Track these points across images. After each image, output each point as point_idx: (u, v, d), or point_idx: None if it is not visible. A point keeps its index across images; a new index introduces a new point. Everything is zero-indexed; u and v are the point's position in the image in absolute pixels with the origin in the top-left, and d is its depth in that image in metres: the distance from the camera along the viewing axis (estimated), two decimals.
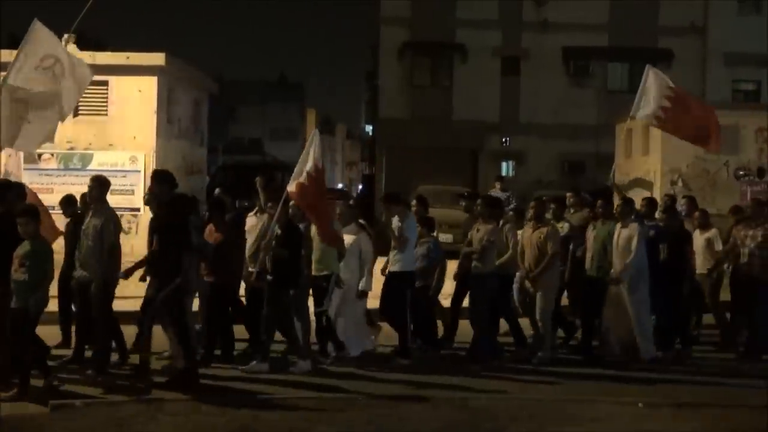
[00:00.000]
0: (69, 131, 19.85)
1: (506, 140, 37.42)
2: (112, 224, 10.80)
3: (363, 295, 12.23)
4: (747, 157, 23.34)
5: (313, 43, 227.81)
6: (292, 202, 11.69)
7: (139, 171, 19.88)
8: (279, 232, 11.38)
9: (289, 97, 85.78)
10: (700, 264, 13.61)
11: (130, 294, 12.10)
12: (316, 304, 11.95)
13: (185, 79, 22.65)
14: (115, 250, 10.88)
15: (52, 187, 18.02)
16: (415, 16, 37.49)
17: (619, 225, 12.52)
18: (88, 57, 20.40)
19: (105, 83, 20.07)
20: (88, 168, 19.75)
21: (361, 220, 12.65)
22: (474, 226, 12.55)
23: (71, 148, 19.88)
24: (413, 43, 37.58)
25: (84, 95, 20.01)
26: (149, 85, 20.15)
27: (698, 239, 13.69)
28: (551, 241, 12.36)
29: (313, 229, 11.73)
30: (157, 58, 20.21)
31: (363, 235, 12.31)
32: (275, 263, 11.32)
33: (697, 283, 13.56)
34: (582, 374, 11.69)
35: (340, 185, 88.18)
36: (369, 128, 68.10)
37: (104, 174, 18.87)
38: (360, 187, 71.53)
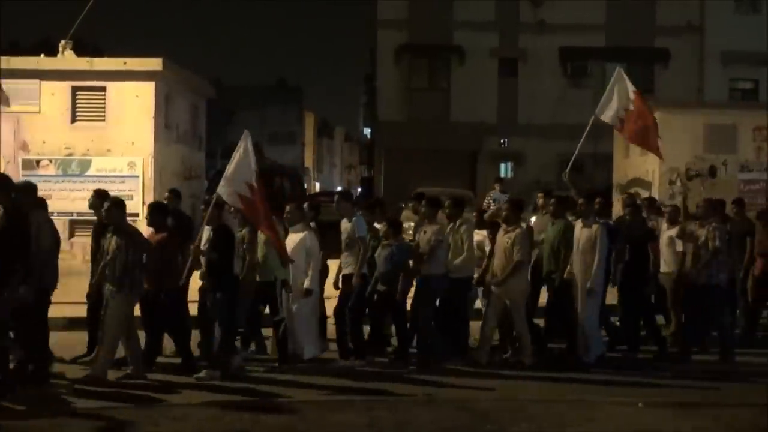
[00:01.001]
0: (67, 137, 19.91)
1: (504, 141, 37.45)
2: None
3: (307, 293, 11.91)
4: (745, 155, 23.37)
5: (311, 46, 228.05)
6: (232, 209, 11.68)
7: (138, 176, 19.88)
8: (211, 234, 11.23)
9: (288, 101, 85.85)
10: (663, 262, 13.46)
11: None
12: (271, 313, 11.90)
13: (183, 83, 22.66)
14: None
15: (50, 193, 17.99)
16: (413, 18, 37.53)
17: (579, 224, 12.36)
18: (86, 63, 20.49)
19: (103, 89, 20.08)
20: (86, 174, 19.77)
21: (312, 223, 12.45)
22: (421, 228, 12.31)
23: (69, 154, 19.89)
24: (411, 46, 37.62)
25: (82, 101, 20.13)
26: (147, 90, 20.15)
27: (664, 235, 13.52)
28: (518, 246, 12.01)
29: (260, 234, 11.63)
30: (155, 64, 20.21)
31: (309, 234, 12.08)
32: (207, 267, 11.23)
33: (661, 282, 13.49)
34: (581, 376, 11.69)
35: (339, 188, 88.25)
36: (367, 131, 68.13)
37: (102, 179, 19.05)
38: (359, 189, 71.55)
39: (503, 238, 12.09)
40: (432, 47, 37.99)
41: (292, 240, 12.01)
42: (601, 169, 34.53)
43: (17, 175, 19.64)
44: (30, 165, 19.81)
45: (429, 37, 37.51)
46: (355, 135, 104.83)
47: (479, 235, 12.81)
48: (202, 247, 11.29)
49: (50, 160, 19.86)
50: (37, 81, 19.99)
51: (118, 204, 11.18)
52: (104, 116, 20.14)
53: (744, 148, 23.59)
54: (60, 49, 21.21)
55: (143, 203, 18.08)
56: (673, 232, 13.24)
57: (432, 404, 10.05)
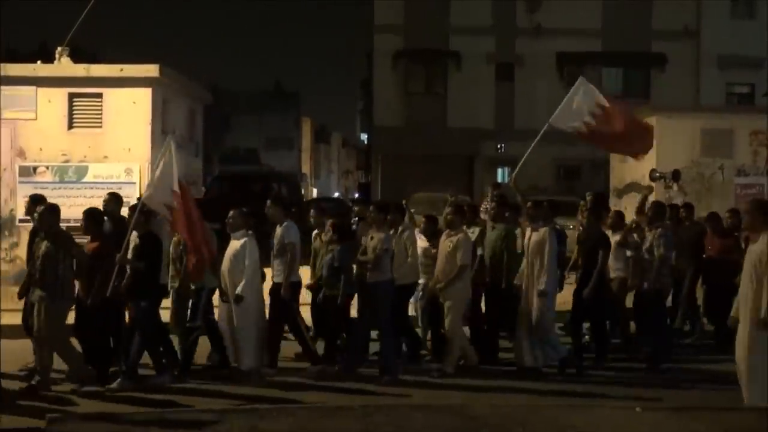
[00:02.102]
0: (64, 144, 19.88)
1: (501, 146, 37.50)
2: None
3: (237, 299, 11.66)
4: (741, 160, 23.40)
5: (308, 52, 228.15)
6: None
7: (135, 183, 19.85)
8: (137, 241, 11.11)
9: (285, 107, 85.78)
10: (611, 267, 13.25)
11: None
12: (190, 319, 11.76)
13: (180, 89, 22.64)
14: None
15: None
16: (409, 23, 37.60)
17: (529, 229, 12.32)
18: (83, 70, 20.46)
19: (99, 95, 20.04)
20: (83, 180, 19.74)
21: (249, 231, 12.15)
22: (369, 233, 12.10)
23: (66, 161, 19.86)
24: (407, 51, 37.70)
25: (78, 108, 20.11)
26: (144, 96, 20.12)
27: (611, 241, 13.21)
28: (461, 250, 11.89)
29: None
30: (152, 70, 20.19)
31: (249, 241, 11.85)
32: (133, 275, 11.05)
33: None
34: (579, 380, 11.70)
35: (336, 194, 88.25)
36: (364, 136, 68.19)
37: (99, 186, 19.01)
38: (356, 195, 71.55)
39: (445, 243, 12.00)
40: (429, 52, 38.05)
41: (233, 246, 11.82)
42: (598, 174, 34.59)
43: (14, 183, 19.68)
44: (27, 172, 19.77)
45: (426, 42, 37.58)
46: (352, 140, 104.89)
47: (423, 242, 12.63)
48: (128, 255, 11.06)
49: (47, 167, 19.82)
50: (33, 88, 19.95)
51: (52, 209, 11.12)
52: (101, 123, 20.10)
53: (741, 152, 23.62)
54: (56, 55, 21.19)
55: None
56: (618, 238, 13.10)
57: (428, 410, 10.04)
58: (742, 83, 37.75)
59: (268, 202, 12.51)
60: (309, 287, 12.91)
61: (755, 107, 31.75)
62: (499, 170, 38.14)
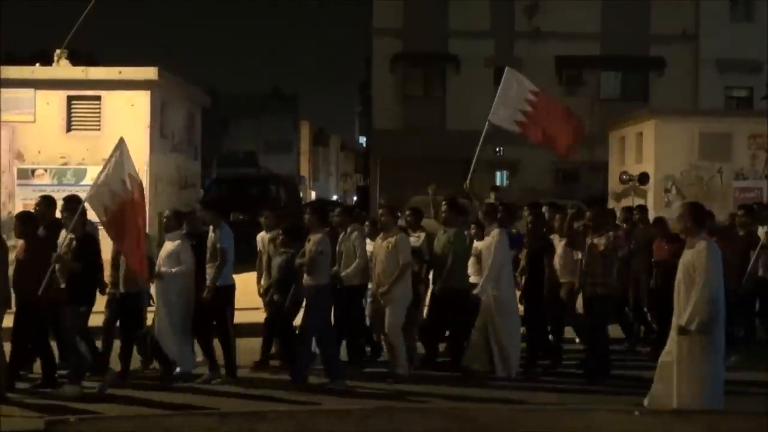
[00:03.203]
0: (62, 146, 19.88)
1: (500, 150, 37.48)
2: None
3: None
4: (740, 163, 23.44)
5: (306, 55, 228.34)
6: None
7: None
8: (74, 243, 10.79)
9: (283, 110, 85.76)
10: (559, 272, 13.00)
11: None
12: (134, 326, 11.54)
13: (178, 92, 22.66)
14: None
15: None
16: (408, 27, 37.62)
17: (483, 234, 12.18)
18: (81, 72, 20.48)
19: (98, 98, 20.07)
20: (81, 183, 19.73)
21: (183, 231, 12.01)
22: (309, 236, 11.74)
23: (65, 163, 19.88)
24: (406, 54, 37.71)
25: (77, 110, 20.11)
26: (142, 99, 20.14)
27: (558, 246, 13.05)
28: (400, 251, 11.67)
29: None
30: (150, 73, 20.21)
31: (182, 244, 11.70)
32: (69, 277, 10.75)
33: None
34: (578, 383, 11.69)
35: (335, 197, 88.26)
36: (363, 139, 68.20)
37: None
38: (355, 198, 71.57)
39: (382, 245, 11.81)
40: (427, 55, 38.08)
41: (166, 248, 11.68)
42: (596, 177, 34.62)
43: (12, 185, 19.68)
44: (25, 174, 19.79)
45: (424, 46, 37.61)
46: (350, 143, 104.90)
47: (371, 245, 12.42)
48: (63, 256, 10.74)
49: (45, 170, 19.83)
50: (32, 90, 19.98)
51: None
52: (99, 125, 20.13)
53: (739, 155, 23.68)
54: (55, 58, 21.21)
55: None
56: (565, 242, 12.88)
57: (427, 412, 10.03)
58: (741, 87, 37.79)
59: (199, 205, 12.38)
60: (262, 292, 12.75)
61: (754, 111, 31.81)
62: (498, 173, 38.16)
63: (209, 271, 11.67)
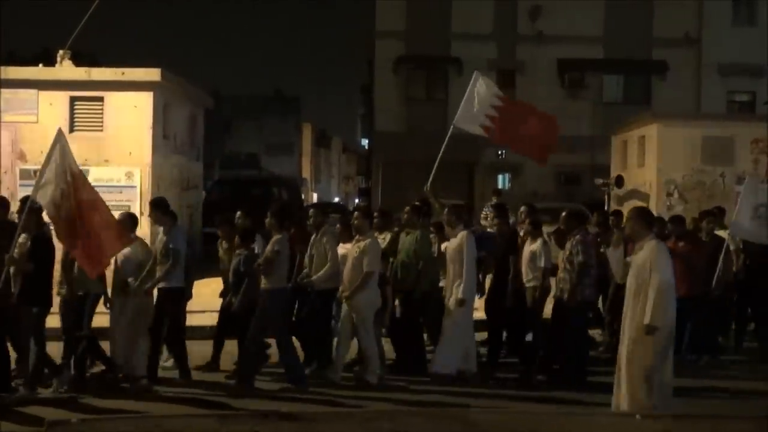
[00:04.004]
0: None
1: (502, 153, 37.46)
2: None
3: (126, 294, 11.28)
4: (742, 167, 23.41)
5: (309, 57, 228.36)
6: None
7: (135, 186, 19.87)
8: (28, 244, 10.62)
9: (285, 112, 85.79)
10: (525, 275, 12.66)
11: None
12: (75, 328, 11.19)
13: (181, 94, 22.67)
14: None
15: None
16: (410, 30, 37.62)
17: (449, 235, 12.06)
18: (84, 73, 20.49)
19: (100, 99, 20.08)
20: None
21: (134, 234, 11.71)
22: (273, 240, 11.48)
23: None
24: (408, 57, 37.71)
25: (80, 111, 20.12)
26: (145, 100, 20.15)
27: (526, 250, 12.72)
28: (368, 255, 11.44)
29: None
30: (153, 74, 20.22)
31: (137, 245, 11.53)
32: (22, 278, 10.60)
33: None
34: (580, 387, 11.67)
35: (336, 199, 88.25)
36: (365, 142, 68.19)
37: (100, 190, 18.99)
38: (357, 200, 71.54)
39: (353, 248, 11.60)
40: (430, 58, 38.07)
41: (123, 252, 11.36)
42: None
43: (14, 185, 19.67)
44: (27, 175, 19.75)
45: (427, 49, 37.60)
46: (352, 145, 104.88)
47: (343, 248, 12.29)
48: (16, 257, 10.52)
49: None
50: (35, 91, 19.98)
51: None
52: (102, 126, 20.14)
53: (741, 160, 23.66)
54: (58, 59, 21.21)
55: (140, 213, 18.04)
56: (534, 246, 12.53)
57: (429, 416, 10.03)
58: (743, 91, 37.76)
59: (149, 206, 12.05)
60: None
61: (756, 115, 31.79)
62: (500, 177, 38.15)
63: (160, 272, 11.46)
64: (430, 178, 14.08)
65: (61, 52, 21.27)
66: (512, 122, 14.24)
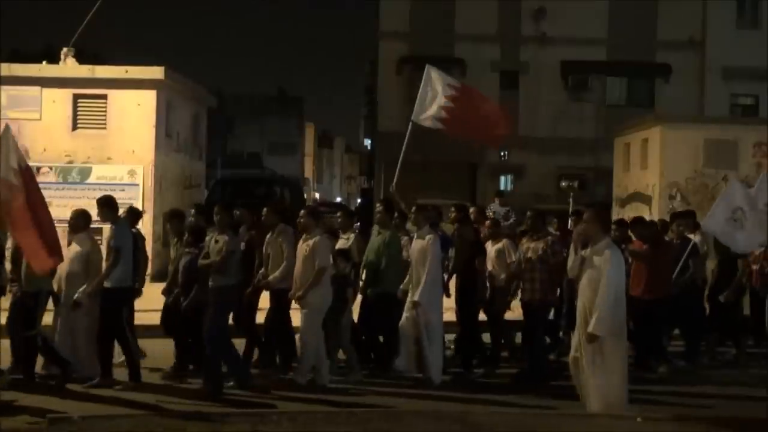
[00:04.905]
0: (67, 145, 19.92)
1: (505, 154, 37.44)
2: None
3: (75, 305, 11.11)
4: (745, 171, 23.36)
5: (312, 57, 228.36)
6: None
7: (138, 184, 19.90)
8: None
9: (288, 112, 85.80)
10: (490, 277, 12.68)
11: None
12: (27, 326, 10.99)
13: (184, 92, 22.69)
14: None
15: (50, 201, 17.90)
16: (414, 30, 37.58)
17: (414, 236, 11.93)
18: (87, 71, 20.51)
19: (104, 97, 20.12)
20: (86, 181, 19.77)
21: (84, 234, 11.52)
22: (212, 237, 11.31)
23: (70, 162, 19.90)
24: (412, 58, 37.64)
25: (83, 109, 20.14)
26: (148, 98, 20.18)
27: (490, 251, 12.73)
28: (318, 254, 11.27)
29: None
30: (156, 72, 20.25)
31: (89, 243, 11.38)
32: None
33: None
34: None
35: (338, 199, 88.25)
36: (368, 142, 68.16)
37: (102, 187, 19.05)
38: (359, 200, 71.52)
39: (302, 246, 11.39)
40: (433, 59, 37.63)
41: (73, 249, 11.34)
42: (601, 183, 34.55)
43: None
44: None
45: (430, 49, 37.49)
46: (355, 146, 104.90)
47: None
48: None
49: (50, 168, 19.86)
50: (38, 88, 20.02)
51: None
52: (105, 124, 20.17)
53: (744, 163, 23.61)
54: (62, 56, 21.24)
55: (143, 211, 18.04)
56: (501, 245, 12.57)
57: (429, 416, 10.03)
58: (747, 94, 37.67)
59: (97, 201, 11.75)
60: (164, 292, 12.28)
61: (759, 118, 31.72)
62: (502, 178, 38.13)
63: (105, 272, 11.24)
64: (395, 179, 14.01)
65: (64, 49, 21.30)
66: (467, 110, 14.19)
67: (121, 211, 12.00)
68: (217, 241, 11.08)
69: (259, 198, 26.38)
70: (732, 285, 13.86)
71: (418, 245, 11.74)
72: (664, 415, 10.21)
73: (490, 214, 22.03)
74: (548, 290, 11.91)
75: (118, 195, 18.97)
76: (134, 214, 12.84)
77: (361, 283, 12.51)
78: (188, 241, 11.76)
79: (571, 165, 36.66)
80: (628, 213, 23.78)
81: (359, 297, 12.49)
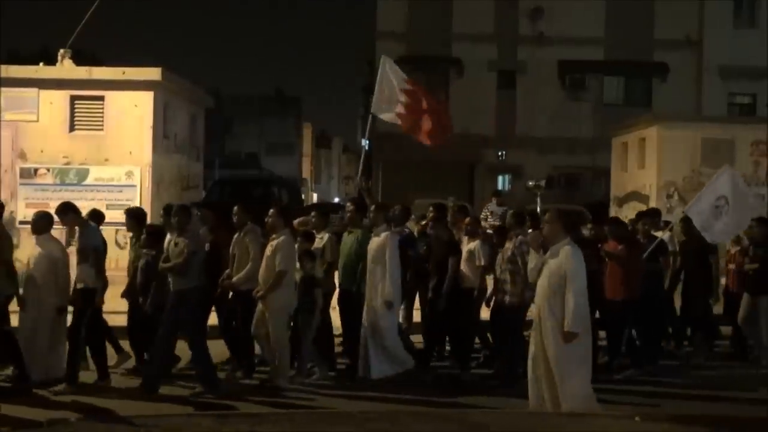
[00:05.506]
0: (65, 146, 19.90)
1: (502, 154, 37.48)
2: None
3: (60, 311, 11.10)
4: (742, 170, 23.37)
5: (310, 57, 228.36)
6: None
7: (135, 186, 19.88)
8: None
9: (286, 112, 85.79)
10: (464, 277, 12.50)
11: None
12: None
13: (181, 93, 22.67)
14: None
15: (48, 202, 17.98)
16: (411, 30, 37.62)
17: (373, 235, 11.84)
18: (85, 72, 20.49)
19: (101, 98, 20.10)
20: (84, 183, 19.76)
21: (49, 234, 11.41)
22: (171, 240, 11.21)
23: (67, 163, 19.88)
24: (409, 58, 37.62)
25: (80, 110, 20.13)
26: (145, 100, 20.16)
27: (465, 249, 12.59)
28: (280, 254, 11.13)
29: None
30: (154, 73, 20.23)
31: (54, 245, 11.30)
32: None
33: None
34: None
35: (336, 199, 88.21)
36: (365, 142, 68.15)
37: (100, 189, 19.04)
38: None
39: (267, 247, 11.32)
40: (430, 59, 38.05)
41: (36, 251, 11.23)
42: (598, 183, 34.60)
43: (15, 184, 19.67)
44: (28, 174, 19.79)
45: (428, 49, 37.59)
46: (353, 146, 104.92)
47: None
48: None
49: (48, 169, 19.85)
50: (35, 90, 20.00)
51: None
52: (102, 125, 20.15)
53: (742, 162, 23.61)
54: (59, 58, 21.22)
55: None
56: (473, 245, 12.44)
57: (429, 417, 10.02)
58: (744, 93, 37.73)
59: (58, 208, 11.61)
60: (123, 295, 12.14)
61: (756, 117, 31.77)
62: (500, 178, 38.16)
63: (79, 273, 11.15)
64: (359, 173, 13.93)
65: (61, 51, 21.28)
66: (419, 109, 14.23)
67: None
68: (176, 244, 10.92)
69: (257, 199, 26.39)
70: (710, 287, 13.84)
71: (375, 243, 11.64)
72: (663, 414, 10.22)
73: (488, 213, 22.07)
74: (522, 291, 11.59)
75: (115, 196, 19.18)
76: (98, 216, 12.55)
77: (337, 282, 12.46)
78: (145, 242, 11.57)
79: (568, 164, 36.72)
80: (626, 212, 23.80)
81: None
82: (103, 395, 10.78)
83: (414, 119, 14.38)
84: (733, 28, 37.43)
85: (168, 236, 11.55)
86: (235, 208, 11.89)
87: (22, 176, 19.78)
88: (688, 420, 9.99)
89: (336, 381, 11.75)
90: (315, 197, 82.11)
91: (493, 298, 12.35)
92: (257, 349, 11.90)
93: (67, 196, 19.12)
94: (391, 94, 14.15)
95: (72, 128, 20.08)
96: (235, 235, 11.72)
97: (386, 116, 14.49)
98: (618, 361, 12.51)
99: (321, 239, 12.29)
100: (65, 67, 20.92)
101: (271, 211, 11.59)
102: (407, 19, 37.75)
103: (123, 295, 11.99)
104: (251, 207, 12.26)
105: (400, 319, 13.14)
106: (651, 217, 14.31)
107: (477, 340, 13.03)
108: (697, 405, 11.04)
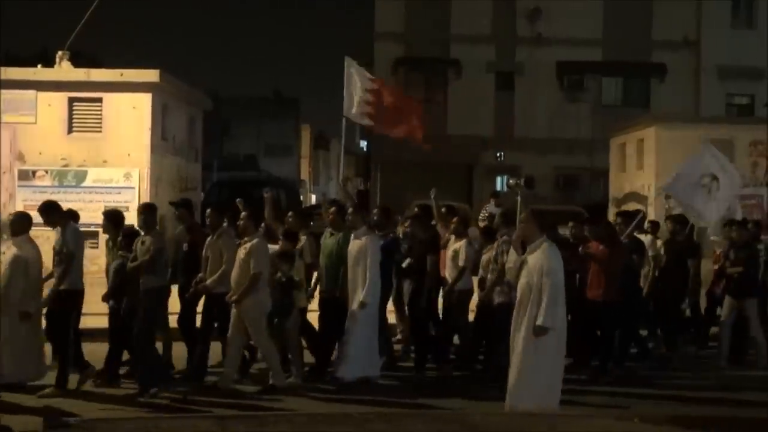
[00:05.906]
0: (63, 148, 19.90)
1: (501, 155, 37.44)
2: None
3: (25, 317, 10.88)
4: (741, 170, 23.35)
5: (307, 59, 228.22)
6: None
7: (134, 187, 19.88)
8: None
9: (284, 114, 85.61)
10: (449, 276, 12.50)
11: None
12: None
13: (179, 95, 22.66)
14: None
15: None
16: (409, 31, 37.59)
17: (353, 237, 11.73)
18: (83, 74, 20.51)
19: (99, 100, 20.11)
20: (82, 185, 19.76)
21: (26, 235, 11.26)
22: (139, 238, 11.10)
23: (66, 165, 19.88)
24: (407, 59, 37.68)
25: (78, 112, 20.13)
26: (144, 101, 20.17)
27: (450, 248, 12.54)
28: (255, 256, 11.02)
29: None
30: (152, 75, 20.24)
31: (28, 247, 11.11)
32: None
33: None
34: (578, 389, 11.66)
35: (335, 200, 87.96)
36: (364, 144, 68.09)
37: (98, 191, 19.05)
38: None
39: (240, 250, 11.18)
40: (429, 60, 38.04)
41: (10, 252, 11.07)
42: (597, 183, 34.60)
43: (13, 186, 19.67)
44: (26, 175, 19.79)
45: (426, 51, 37.58)
46: (351, 147, 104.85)
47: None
48: None
49: (46, 171, 19.85)
50: (33, 92, 20.00)
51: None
52: (101, 127, 20.16)
53: (740, 162, 23.59)
54: (57, 60, 21.23)
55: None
56: (458, 245, 12.38)
57: (428, 417, 10.03)
58: (742, 94, 37.71)
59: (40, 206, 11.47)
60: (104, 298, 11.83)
61: (755, 118, 31.77)
62: (498, 179, 38.12)
63: (57, 274, 11.07)
64: (341, 174, 13.91)
65: (59, 52, 21.29)
66: (389, 107, 14.25)
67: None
68: (143, 243, 10.90)
69: (255, 200, 26.37)
70: (684, 289, 13.84)
71: (356, 246, 11.55)
72: (662, 415, 10.22)
73: (486, 214, 22.05)
74: (510, 290, 11.41)
75: (114, 198, 19.18)
76: (74, 215, 12.34)
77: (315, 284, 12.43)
78: (122, 245, 11.46)
79: (567, 165, 36.69)
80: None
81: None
82: (105, 395, 10.77)
83: (382, 118, 14.44)
84: (731, 28, 37.41)
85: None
86: (208, 210, 11.77)
87: (20, 178, 19.78)
88: (687, 421, 10.03)
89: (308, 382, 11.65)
90: (314, 198, 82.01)
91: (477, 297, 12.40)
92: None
93: (65, 198, 19.15)
94: (358, 96, 14.29)
95: (70, 130, 20.08)
96: (209, 238, 11.57)
97: (356, 117, 14.55)
98: (611, 362, 12.46)
99: (300, 240, 12.18)
100: (63, 69, 20.93)
101: (243, 214, 11.51)
102: (405, 21, 37.71)
103: (104, 299, 11.80)
104: (251, 207, 12.19)
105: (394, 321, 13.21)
106: (631, 217, 14.08)
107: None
108: (698, 406, 11.03)
